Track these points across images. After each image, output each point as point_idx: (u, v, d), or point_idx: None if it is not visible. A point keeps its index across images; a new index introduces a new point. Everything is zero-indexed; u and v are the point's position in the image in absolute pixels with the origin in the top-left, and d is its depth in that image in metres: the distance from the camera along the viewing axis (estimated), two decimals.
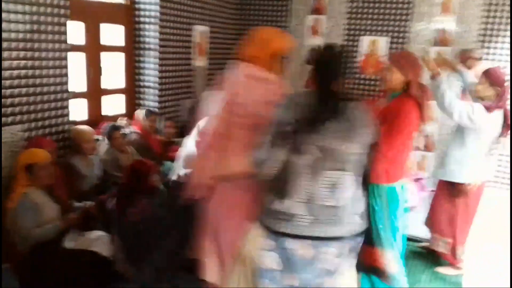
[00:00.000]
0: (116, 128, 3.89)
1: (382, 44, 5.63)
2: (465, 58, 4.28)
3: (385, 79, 2.62)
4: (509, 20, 5.09)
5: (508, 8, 5.08)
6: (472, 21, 5.27)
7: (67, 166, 3.35)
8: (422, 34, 5.49)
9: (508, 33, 5.07)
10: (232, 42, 6.27)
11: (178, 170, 3.80)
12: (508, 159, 4.97)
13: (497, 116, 3.12)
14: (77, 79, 4.02)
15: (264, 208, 1.91)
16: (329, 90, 1.84)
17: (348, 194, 1.85)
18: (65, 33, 3.59)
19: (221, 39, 5.98)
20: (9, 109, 3.20)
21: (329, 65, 1.88)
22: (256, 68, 2.10)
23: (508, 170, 5.11)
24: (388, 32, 5.64)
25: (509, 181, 5.11)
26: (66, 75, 3.66)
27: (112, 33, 4.51)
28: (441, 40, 5.42)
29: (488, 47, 5.20)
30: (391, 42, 5.65)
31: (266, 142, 1.81)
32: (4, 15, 3.06)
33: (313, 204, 1.82)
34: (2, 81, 3.12)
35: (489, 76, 3.15)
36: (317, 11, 5.89)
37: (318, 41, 5.91)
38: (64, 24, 3.57)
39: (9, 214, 2.70)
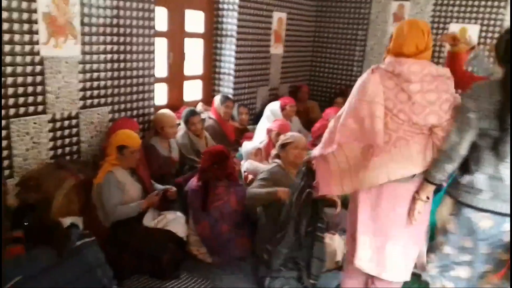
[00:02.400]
0: (194, 113, 3.97)
1: (472, 32, 5.24)
2: None
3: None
4: None
5: None
6: None
7: (149, 147, 3.48)
8: None
9: None
10: (309, 29, 6.18)
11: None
12: None
13: None
14: (159, 65, 4.16)
15: (453, 181, 2.14)
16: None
17: None
18: (152, 18, 3.72)
19: (298, 26, 5.89)
20: (96, 92, 3.38)
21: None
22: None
23: None
24: (479, 20, 5.24)
25: None
26: (152, 60, 3.79)
27: (193, 20, 4.59)
28: None
29: None
30: (481, 31, 5.25)
31: (455, 128, 1.97)
32: (100, 0, 3.23)
33: (494, 181, 1.98)
34: (93, 64, 3.30)
35: None
36: None
37: None
38: (152, 10, 3.69)
39: (95, 190, 2.87)
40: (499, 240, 2.06)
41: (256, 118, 5.19)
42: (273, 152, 3.22)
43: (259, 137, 4.17)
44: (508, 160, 1.94)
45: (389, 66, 2.02)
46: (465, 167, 2.05)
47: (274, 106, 4.53)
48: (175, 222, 2.90)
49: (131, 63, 3.61)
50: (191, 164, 3.70)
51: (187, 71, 4.60)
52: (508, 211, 1.99)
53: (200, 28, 4.71)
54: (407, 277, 2.24)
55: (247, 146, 3.91)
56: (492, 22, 5.18)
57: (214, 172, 2.91)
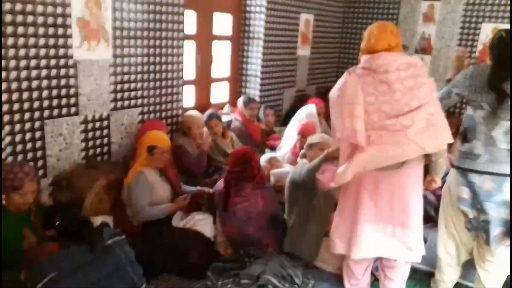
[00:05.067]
0: (213, 116, 4.00)
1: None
2: None
3: None
4: None
5: None
6: None
7: (178, 148, 3.53)
8: None
9: None
10: (336, 30, 6.14)
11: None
12: None
13: None
14: (187, 67, 4.21)
15: (455, 152, 2.51)
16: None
17: None
18: (182, 22, 3.78)
19: (326, 28, 5.87)
20: (127, 94, 3.45)
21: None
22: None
23: None
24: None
25: None
26: (181, 62, 3.85)
27: (220, 23, 4.64)
28: None
29: None
30: None
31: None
32: (131, 5, 3.30)
33: (489, 146, 2.29)
34: (123, 67, 3.37)
35: None
36: None
37: (431, 28, 5.54)
38: (181, 14, 3.75)
39: (125, 189, 2.93)
40: (502, 199, 2.30)
41: (282, 120, 5.20)
42: (301, 152, 3.22)
43: (289, 139, 4.16)
44: (500, 127, 2.26)
45: (366, 63, 2.18)
46: (464, 137, 2.39)
47: (310, 109, 4.48)
48: (203, 222, 2.93)
49: (161, 65, 3.67)
50: (217, 165, 3.73)
51: (214, 74, 4.64)
52: (505, 172, 2.27)
53: (228, 31, 4.75)
54: (417, 259, 2.36)
55: (267, 155, 3.92)
56: None
57: (240, 173, 2.93)
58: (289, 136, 4.15)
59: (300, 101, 5.19)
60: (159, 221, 2.86)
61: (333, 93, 2.26)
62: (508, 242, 2.36)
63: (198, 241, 2.79)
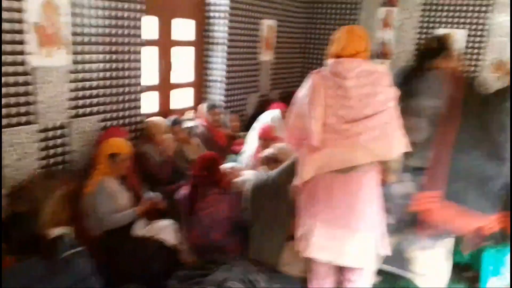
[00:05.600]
0: (177, 122, 3.99)
1: (459, 37, 5.31)
2: None
3: None
4: None
5: None
6: None
7: (140, 155, 3.49)
8: (503, 26, 5.12)
9: None
10: (299, 35, 6.23)
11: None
12: None
13: None
14: (148, 73, 4.18)
15: None
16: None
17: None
18: (140, 28, 3.74)
19: (288, 33, 5.94)
20: (88, 101, 3.39)
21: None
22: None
23: None
24: (466, 25, 5.31)
25: None
26: (139, 69, 3.81)
27: (183, 28, 4.62)
28: None
29: None
30: (469, 35, 5.32)
31: None
32: (91, 11, 3.25)
33: None
34: (83, 73, 3.31)
35: None
36: (389, 3, 5.68)
37: (389, 34, 5.71)
38: (139, 19, 3.72)
39: (86, 199, 2.87)
40: None
41: (247, 125, 5.22)
42: (261, 157, 3.23)
43: (251, 144, 4.19)
44: None
45: (330, 67, 2.25)
46: None
47: (274, 114, 4.52)
48: (166, 230, 2.91)
49: (121, 72, 3.62)
50: (181, 171, 3.71)
51: (178, 79, 4.62)
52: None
53: (191, 36, 4.74)
54: (372, 265, 2.41)
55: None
56: (479, 26, 5.25)
57: (205, 179, 2.93)
58: (252, 141, 4.18)
59: (263, 106, 5.24)
60: (120, 230, 2.81)
61: (300, 91, 2.33)
62: None
63: (161, 249, 2.77)
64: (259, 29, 5.28)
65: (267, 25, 5.40)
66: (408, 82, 2.53)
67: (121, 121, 3.73)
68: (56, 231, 2.27)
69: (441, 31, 5.37)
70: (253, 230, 2.96)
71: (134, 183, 3.09)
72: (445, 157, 2.43)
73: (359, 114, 2.15)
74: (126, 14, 3.57)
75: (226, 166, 3.78)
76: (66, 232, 2.34)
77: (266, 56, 5.55)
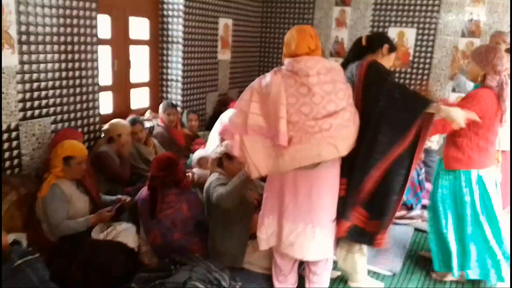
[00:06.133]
0: (137, 122, 3.91)
1: (409, 35, 5.51)
2: (497, 40, 4.15)
3: (468, 71, 2.95)
4: None
5: None
6: (503, 11, 5.11)
7: (101, 155, 3.41)
8: (451, 25, 5.36)
9: None
10: (255, 34, 6.26)
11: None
12: None
13: None
14: (104, 73, 4.07)
15: None
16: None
17: None
18: (95, 26, 3.63)
19: (245, 32, 5.96)
20: (37, 102, 3.25)
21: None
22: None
23: None
24: (415, 24, 5.52)
25: None
26: (96, 68, 3.70)
27: (138, 27, 4.54)
28: (470, 30, 5.28)
29: None
30: (418, 34, 5.53)
31: None
32: (38, 9, 3.12)
33: None
34: (33, 74, 3.18)
35: None
36: (342, 2, 5.82)
37: (343, 33, 5.84)
38: (94, 18, 3.61)
39: (40, 203, 2.76)
40: None
41: (206, 124, 5.20)
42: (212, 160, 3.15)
43: (212, 143, 4.16)
44: None
45: (289, 65, 2.26)
46: None
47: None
48: (125, 232, 2.84)
49: (74, 71, 3.50)
50: (140, 173, 3.64)
51: (133, 79, 4.53)
52: None
53: (146, 35, 4.66)
54: (332, 255, 2.51)
55: (198, 154, 3.88)
56: (427, 25, 5.47)
57: (163, 180, 2.88)
58: (213, 140, 4.15)
59: (223, 105, 5.23)
60: (77, 235, 2.72)
61: (256, 84, 2.30)
62: None
63: (120, 253, 2.70)
64: (215, 28, 5.26)
65: (224, 23, 5.39)
66: None
67: (76, 122, 3.61)
68: (9, 238, 2.16)
69: (391, 30, 5.56)
70: (215, 229, 2.95)
71: (91, 186, 3.00)
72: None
73: (322, 111, 2.18)
74: (77, 12, 3.45)
75: (196, 155, 3.74)
76: (19, 239, 2.24)
77: (224, 55, 5.53)
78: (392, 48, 2.66)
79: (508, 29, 5.03)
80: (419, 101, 2.30)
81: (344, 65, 2.57)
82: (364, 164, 2.34)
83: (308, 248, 2.38)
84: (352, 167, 2.37)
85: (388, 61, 2.64)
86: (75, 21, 3.44)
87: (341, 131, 2.20)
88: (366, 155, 2.33)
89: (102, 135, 3.74)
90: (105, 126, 3.65)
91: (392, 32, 5.56)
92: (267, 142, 2.25)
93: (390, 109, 2.28)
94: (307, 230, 2.35)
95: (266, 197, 2.48)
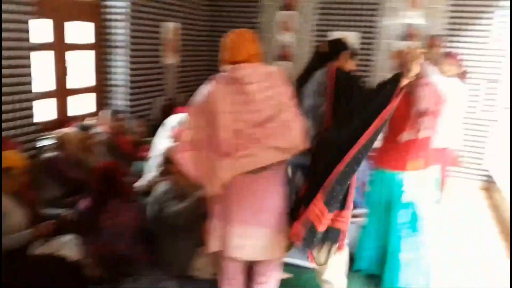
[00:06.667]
0: (85, 128, 3.81)
1: (352, 39, 5.69)
2: (432, 44, 4.39)
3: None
4: (472, 15, 5.24)
5: (472, 2, 5.22)
6: (438, 16, 5.38)
7: (51, 162, 3.32)
8: (391, 28, 5.59)
9: (472, 27, 5.25)
10: (203, 38, 6.24)
11: (150, 171, 3.78)
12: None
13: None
14: (45, 79, 3.94)
15: None
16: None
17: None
18: (27, 31, 3.49)
19: (193, 36, 5.93)
20: None
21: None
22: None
23: None
24: (357, 28, 5.71)
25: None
26: (29, 75, 3.56)
27: (81, 31, 4.42)
28: (409, 34, 5.52)
29: (451, 41, 5.33)
30: (361, 37, 5.72)
31: None
32: None
33: None
34: None
35: (453, 57, 3.87)
36: (287, 7, 5.92)
37: (289, 37, 5.95)
38: (26, 22, 3.47)
39: None
40: None
41: (154, 130, 5.12)
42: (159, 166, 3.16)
43: (158, 149, 4.11)
44: None
45: (229, 73, 2.27)
46: None
47: (181, 117, 4.47)
48: (68, 245, 2.76)
49: (7, 79, 3.35)
50: (83, 182, 3.54)
51: (76, 84, 4.40)
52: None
53: (91, 40, 4.54)
54: (280, 255, 2.52)
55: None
56: (369, 29, 5.67)
57: (105, 189, 2.83)
58: (159, 146, 4.11)
59: (170, 110, 5.17)
60: (13, 251, 2.61)
61: (198, 98, 2.30)
62: None
63: (63, 266, 2.62)
64: (162, 32, 5.21)
65: (170, 27, 5.34)
66: (301, 83, 2.67)
67: (11, 132, 3.46)
68: None
69: (335, 33, 5.72)
70: (163, 237, 2.92)
71: (31, 199, 2.88)
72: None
73: (264, 117, 2.21)
74: (9, 16, 3.31)
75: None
76: None
77: (171, 59, 5.48)
78: (353, 53, 2.73)
79: (443, 32, 5.32)
80: (389, 90, 2.35)
81: (307, 73, 2.63)
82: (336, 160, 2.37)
83: (255, 249, 2.40)
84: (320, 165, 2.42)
85: (351, 66, 2.70)
86: (9, 25, 3.30)
87: (285, 134, 2.24)
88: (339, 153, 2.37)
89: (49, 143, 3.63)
90: (54, 134, 3.53)
91: (336, 36, 5.70)
92: (212, 155, 2.26)
93: (363, 110, 2.37)
94: (254, 232, 2.38)
95: (212, 202, 2.49)
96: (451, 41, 5.30)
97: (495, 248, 3.90)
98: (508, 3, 4.98)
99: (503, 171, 4.98)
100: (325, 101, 2.45)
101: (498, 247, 3.91)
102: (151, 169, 3.85)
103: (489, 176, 5.36)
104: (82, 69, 4.55)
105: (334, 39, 2.80)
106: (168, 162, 2.98)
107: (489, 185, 5.27)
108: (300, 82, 2.72)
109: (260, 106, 2.21)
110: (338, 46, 2.70)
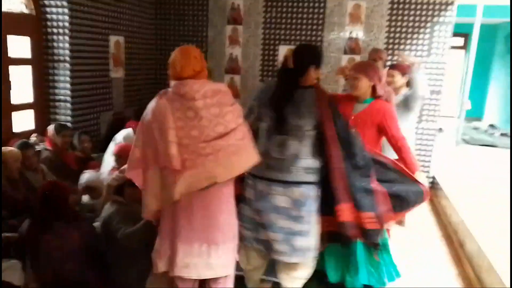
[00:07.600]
0: (27, 146, 3.62)
1: None
2: (374, 56, 4.57)
3: (355, 87, 3.05)
4: (410, 30, 5.55)
5: (409, 18, 5.54)
6: (378, 30, 5.66)
7: None
8: (334, 42, 5.79)
9: (411, 41, 5.56)
10: (150, 51, 6.18)
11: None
12: None
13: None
14: None
15: None
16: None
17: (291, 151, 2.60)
18: None
19: (138, 49, 5.85)
20: None
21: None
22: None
23: None
24: (303, 41, 5.86)
25: None
26: None
27: (20, 45, 4.23)
28: (351, 48, 5.75)
29: (392, 54, 5.61)
30: None
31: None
32: None
33: (265, 154, 2.56)
34: None
35: (400, 69, 4.03)
36: (234, 21, 5.99)
37: (236, 50, 6.01)
38: None
39: None
40: (273, 204, 2.64)
41: (102, 145, 4.97)
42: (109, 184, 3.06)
43: (107, 164, 4.00)
44: (275, 140, 2.61)
45: (175, 88, 2.27)
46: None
47: (127, 132, 4.38)
48: (10, 270, 2.62)
49: None
50: (26, 203, 3.36)
51: (16, 100, 4.20)
52: (276, 178, 2.61)
53: (28, 54, 4.35)
54: (232, 271, 2.51)
55: (87, 177, 3.71)
56: (314, 43, 5.83)
57: (48, 210, 2.70)
58: (108, 162, 4.00)
59: (118, 125, 5.05)
60: None
61: (146, 114, 2.28)
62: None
63: None
64: (106, 45, 5.09)
65: (115, 40, 5.24)
66: (275, 99, 2.63)
67: None
68: None
69: (281, 47, 5.85)
70: (116, 259, 2.82)
71: None
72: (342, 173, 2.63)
73: (212, 133, 2.21)
74: None
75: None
76: None
77: (117, 73, 5.37)
78: (318, 65, 2.67)
79: (383, 47, 5.59)
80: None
81: (282, 92, 2.62)
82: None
83: (203, 268, 2.37)
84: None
85: (317, 76, 2.71)
86: None
87: (235, 151, 2.25)
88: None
89: None
90: None
91: (283, 50, 5.85)
92: (162, 171, 2.24)
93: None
94: (202, 250, 2.35)
95: (161, 221, 2.45)
96: (393, 55, 5.58)
97: (438, 250, 4.11)
98: (446, 18, 5.37)
99: (448, 178, 5.58)
100: (321, 124, 2.56)
101: (441, 250, 4.14)
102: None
103: (435, 183, 5.66)
104: (21, 84, 4.34)
105: (299, 49, 2.69)
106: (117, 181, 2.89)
107: (434, 191, 5.54)
108: (277, 102, 2.63)
109: (206, 123, 2.21)
110: (304, 60, 2.61)
